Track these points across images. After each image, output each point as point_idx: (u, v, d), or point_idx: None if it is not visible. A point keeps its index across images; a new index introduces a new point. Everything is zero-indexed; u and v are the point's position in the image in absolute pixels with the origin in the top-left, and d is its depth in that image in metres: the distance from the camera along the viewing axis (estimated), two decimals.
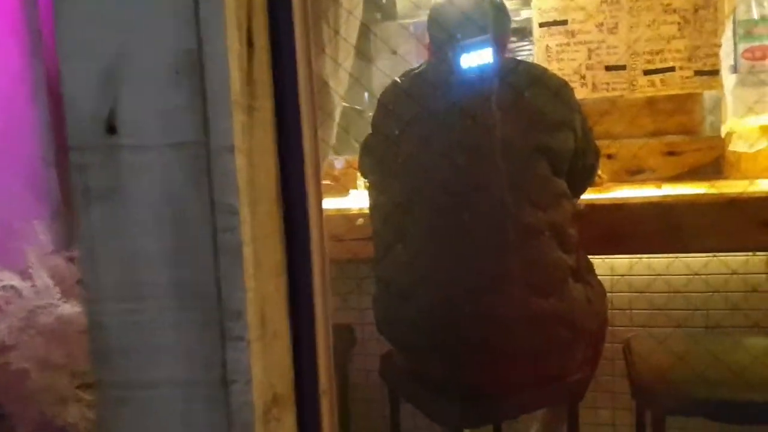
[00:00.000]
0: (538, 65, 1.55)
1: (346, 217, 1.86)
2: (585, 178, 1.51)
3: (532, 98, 1.34)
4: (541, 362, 1.33)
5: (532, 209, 1.30)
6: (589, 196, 1.65)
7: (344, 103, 2.52)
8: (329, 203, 2.11)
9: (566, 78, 1.70)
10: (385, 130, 1.42)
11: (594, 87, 2.13)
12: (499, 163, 1.30)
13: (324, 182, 2.11)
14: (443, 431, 1.53)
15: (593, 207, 1.68)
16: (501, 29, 1.47)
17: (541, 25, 2.16)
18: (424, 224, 1.33)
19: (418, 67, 1.44)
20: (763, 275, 1.81)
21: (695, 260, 1.84)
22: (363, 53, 3.88)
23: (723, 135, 1.95)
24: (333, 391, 0.72)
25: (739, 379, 1.34)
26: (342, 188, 2.22)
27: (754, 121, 1.80)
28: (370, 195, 1.47)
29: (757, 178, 1.86)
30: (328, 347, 0.69)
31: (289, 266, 0.65)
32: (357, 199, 2.10)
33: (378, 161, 1.43)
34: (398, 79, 1.44)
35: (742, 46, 1.83)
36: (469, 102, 1.34)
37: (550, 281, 1.31)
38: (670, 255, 1.80)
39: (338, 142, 2.59)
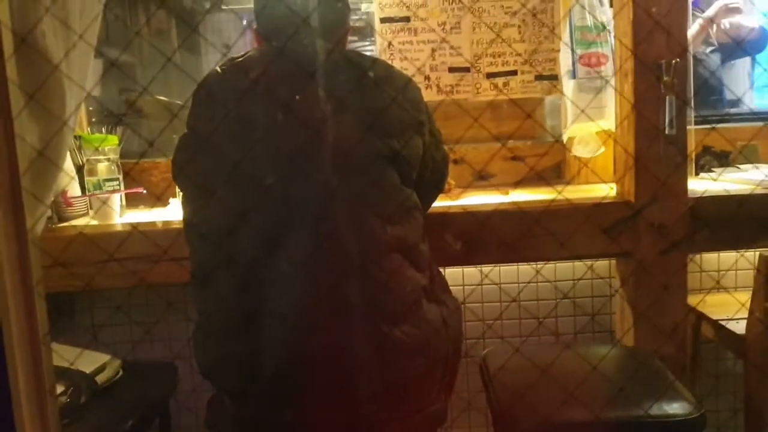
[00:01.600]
0: (383, 60, 1.39)
1: (164, 232, 1.57)
2: (435, 186, 1.37)
3: (376, 97, 1.17)
4: (397, 397, 1.16)
5: (380, 224, 1.12)
6: (439, 203, 1.53)
7: (162, 98, 2.19)
8: (143, 216, 1.78)
9: None
10: (200, 130, 1.16)
11: (439, 89, 2.04)
12: (338, 172, 1.11)
13: (137, 190, 1.79)
14: None
15: (445, 215, 1.58)
16: (339, 18, 1.28)
17: (383, 20, 2.02)
18: (251, 245, 1.10)
19: (242, 55, 1.20)
20: (607, 279, 1.83)
21: (544, 268, 1.82)
22: (191, 45, 3.52)
23: (564, 140, 1.95)
24: None
25: (598, 397, 1.30)
26: (159, 197, 1.90)
27: (593, 127, 1.81)
28: (184, 209, 1.20)
29: (597, 182, 1.88)
30: None
31: None
32: (178, 210, 1.81)
33: (195, 169, 1.16)
34: (218, 69, 1.18)
35: (578, 52, 1.83)
36: (304, 100, 1.13)
37: (402, 306, 1.14)
38: (522, 264, 1.76)
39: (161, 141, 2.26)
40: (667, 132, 1.47)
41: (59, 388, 1.33)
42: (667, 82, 1.44)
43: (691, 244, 1.58)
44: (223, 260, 1.11)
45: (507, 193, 1.80)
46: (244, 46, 2.71)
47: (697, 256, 1.81)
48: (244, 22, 3.34)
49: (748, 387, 1.53)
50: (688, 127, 1.53)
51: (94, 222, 1.74)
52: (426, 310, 1.19)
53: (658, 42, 1.47)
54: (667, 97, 1.45)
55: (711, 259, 1.84)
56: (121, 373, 1.46)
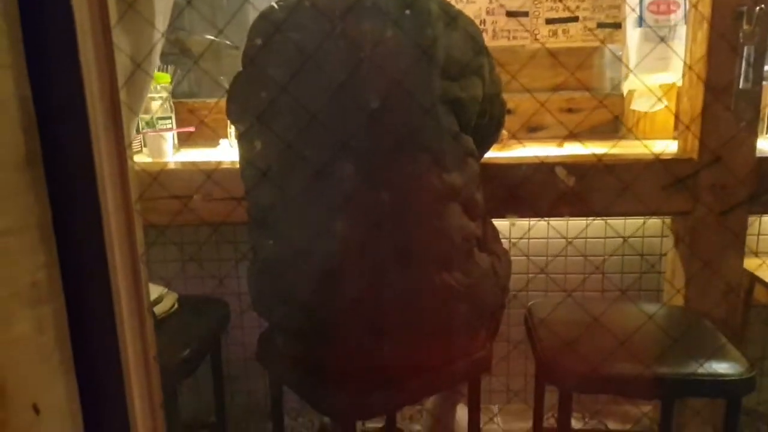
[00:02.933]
0: (447, 1, 1.34)
1: (215, 171, 1.59)
2: (492, 132, 1.34)
3: (440, 38, 1.13)
4: (444, 342, 1.18)
5: (437, 171, 1.11)
6: (490, 154, 1.50)
7: (210, 37, 2.18)
8: (196, 154, 1.81)
9: None
10: (257, 69, 1.15)
11: (494, 34, 1.97)
12: (396, 112, 1.09)
13: (189, 129, 1.80)
14: (332, 423, 1.36)
15: (496, 166, 1.55)
16: None
17: None
18: (307, 186, 1.10)
19: None
20: (658, 239, 1.78)
21: (593, 224, 1.78)
22: None
23: (624, 93, 1.88)
24: None
25: (645, 352, 1.29)
26: (211, 136, 1.92)
27: (656, 80, 1.73)
28: (240, 147, 1.21)
29: (655, 138, 1.81)
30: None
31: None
32: (229, 151, 1.83)
33: (249, 107, 1.16)
34: (275, 5, 1.16)
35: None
36: (364, 39, 1.10)
37: (455, 253, 1.14)
38: (573, 218, 1.73)
39: (205, 84, 2.26)
40: (741, 86, 1.39)
41: None
42: (747, 31, 1.36)
43: (754, 205, 1.53)
44: (279, 197, 1.12)
45: (561, 145, 1.75)
46: None
47: (757, 219, 1.75)
48: None
49: None
50: (764, 82, 1.45)
51: (148, 159, 1.77)
52: (477, 259, 1.18)
53: None
54: (746, 47, 1.36)
55: None
56: (176, 306, 1.50)
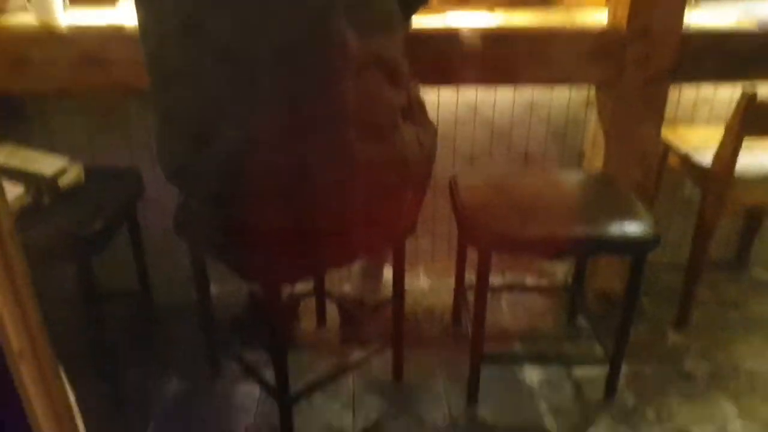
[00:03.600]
0: None
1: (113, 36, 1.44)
2: None
3: None
4: (368, 211, 1.16)
5: (355, 35, 1.02)
6: (419, 19, 1.43)
7: None
8: (89, 15, 1.61)
9: None
10: None
11: None
12: None
13: None
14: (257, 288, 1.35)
15: (424, 33, 1.48)
16: None
17: None
18: (218, 48, 1.00)
19: None
20: (583, 109, 1.80)
21: (521, 95, 1.77)
22: None
23: None
24: None
25: (560, 215, 1.33)
26: None
27: None
28: (138, 10, 1.08)
29: (586, 5, 1.77)
30: None
31: None
32: (128, 12, 1.63)
33: None
34: None
35: None
36: None
37: (379, 123, 1.10)
38: (497, 85, 1.70)
39: None
40: None
41: (18, 190, 1.28)
42: None
43: (676, 77, 1.55)
44: (182, 61, 1.02)
45: (492, 10, 1.68)
46: None
47: (677, 89, 1.78)
48: None
49: (702, 212, 1.60)
50: None
51: (33, 19, 1.56)
52: (402, 130, 1.15)
53: None
54: None
55: (690, 90, 1.81)
56: (83, 177, 1.41)
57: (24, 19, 1.56)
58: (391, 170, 1.14)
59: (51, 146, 1.49)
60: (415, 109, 1.23)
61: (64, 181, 1.36)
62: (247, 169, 1.05)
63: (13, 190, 1.28)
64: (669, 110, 1.64)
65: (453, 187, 1.48)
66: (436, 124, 1.32)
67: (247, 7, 0.98)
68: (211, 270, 1.44)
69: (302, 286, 1.76)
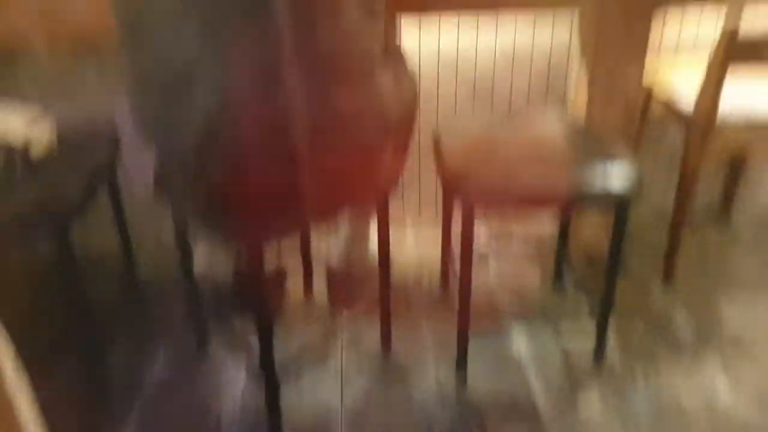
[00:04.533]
0: None
1: None
2: None
3: None
4: (348, 160, 1.14)
5: None
6: None
7: None
8: None
9: None
10: None
11: None
12: None
13: None
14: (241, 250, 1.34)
15: None
16: None
17: None
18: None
19: None
20: (566, 44, 1.76)
21: (502, 28, 1.72)
22: None
23: None
24: None
25: (543, 167, 1.32)
26: None
27: None
28: None
29: None
30: None
31: None
32: None
33: None
34: None
35: None
36: None
37: (356, 68, 1.07)
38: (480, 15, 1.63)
39: None
40: None
41: None
42: None
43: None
44: (150, 10, 0.98)
45: None
46: None
47: (661, 15, 1.74)
48: None
49: (686, 160, 1.59)
50: None
51: None
52: (378, 75, 1.12)
53: None
54: None
55: (672, 33, 1.78)
56: (55, 140, 1.36)
57: None
58: (370, 117, 1.12)
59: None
60: (394, 55, 1.20)
61: (37, 147, 1.32)
62: (224, 121, 1.01)
63: None
64: (655, 36, 1.60)
65: (435, 141, 1.46)
66: (417, 76, 1.29)
67: None
68: (196, 247, 1.42)
69: (289, 259, 1.74)
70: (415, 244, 1.94)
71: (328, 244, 1.80)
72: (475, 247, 1.53)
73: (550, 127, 1.50)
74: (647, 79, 1.64)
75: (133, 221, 1.61)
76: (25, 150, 1.30)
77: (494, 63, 1.75)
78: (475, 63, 1.74)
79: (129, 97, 1.11)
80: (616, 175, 1.28)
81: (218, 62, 0.98)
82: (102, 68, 1.66)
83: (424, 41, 1.73)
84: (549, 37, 1.73)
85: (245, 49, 0.97)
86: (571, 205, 1.52)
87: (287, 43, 0.98)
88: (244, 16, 0.96)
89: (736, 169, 1.97)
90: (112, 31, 1.07)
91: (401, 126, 1.23)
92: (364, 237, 1.73)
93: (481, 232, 1.93)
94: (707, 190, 1.99)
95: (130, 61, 1.07)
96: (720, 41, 1.41)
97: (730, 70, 1.42)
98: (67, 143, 1.39)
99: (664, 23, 1.76)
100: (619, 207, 1.32)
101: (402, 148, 1.32)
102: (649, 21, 1.53)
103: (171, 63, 1.01)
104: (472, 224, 1.31)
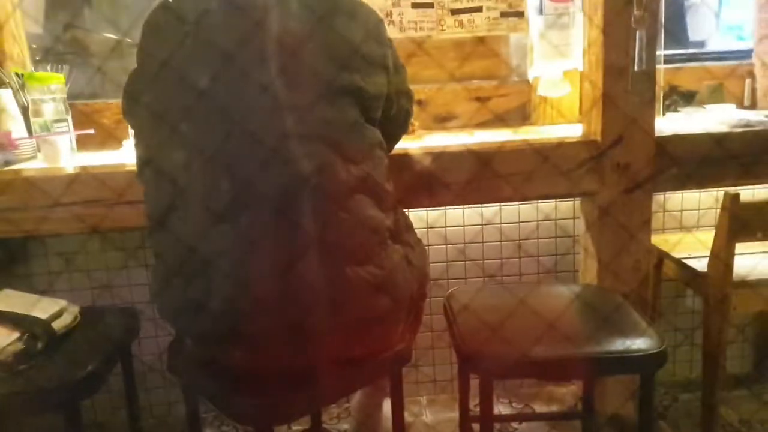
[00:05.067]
0: None
1: (117, 175, 1.50)
2: (400, 124, 1.33)
3: (341, 29, 1.11)
4: (361, 338, 1.15)
5: (342, 163, 1.08)
6: (402, 144, 1.49)
7: (111, 35, 2.07)
8: (95, 158, 1.70)
9: None
10: (151, 64, 1.09)
11: (401, 26, 1.96)
12: (299, 107, 1.05)
13: (87, 131, 1.70)
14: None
15: (406, 155, 1.54)
16: None
17: None
18: (207, 184, 1.04)
19: None
20: (571, 220, 1.83)
21: (507, 208, 1.81)
22: None
23: (530, 80, 1.91)
24: None
25: (561, 335, 1.30)
26: (113, 138, 1.81)
27: (560, 66, 1.77)
28: (137, 148, 1.14)
29: (563, 123, 1.86)
30: None
31: None
32: (131, 152, 1.72)
33: (144, 104, 1.09)
34: None
35: None
36: (261, 31, 1.06)
37: (366, 246, 1.11)
38: (484, 204, 1.74)
39: (108, 85, 2.14)
40: (636, 68, 1.44)
41: (14, 335, 1.28)
42: (638, 16, 1.41)
43: (657, 183, 1.58)
44: (179, 198, 1.06)
45: (472, 134, 1.76)
46: None
47: (661, 196, 1.82)
48: None
49: (707, 323, 1.56)
50: (657, 66, 1.50)
51: (43, 165, 1.65)
52: (390, 251, 1.16)
53: None
54: (637, 32, 1.41)
55: (674, 199, 1.85)
56: (79, 319, 1.41)
57: (31, 165, 1.64)
58: (382, 293, 1.14)
59: (50, 285, 1.50)
60: (402, 230, 1.25)
61: (60, 324, 1.36)
62: (240, 307, 1.05)
63: (7, 336, 1.28)
64: (657, 219, 1.66)
65: (447, 308, 1.46)
66: (426, 245, 1.33)
67: (241, 158, 1.03)
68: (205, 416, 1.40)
69: (300, 424, 1.69)
70: (431, 412, 1.86)
71: (340, 419, 1.73)
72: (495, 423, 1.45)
73: (563, 297, 1.50)
74: (656, 240, 1.67)
75: (144, 395, 1.60)
76: (49, 325, 1.33)
77: (500, 224, 1.81)
78: (482, 227, 1.81)
79: (154, 278, 1.16)
80: (636, 342, 1.25)
81: (238, 252, 1.04)
82: (131, 251, 1.75)
83: (431, 216, 1.81)
84: (553, 209, 1.80)
85: (263, 233, 1.03)
86: (593, 376, 1.47)
87: (305, 236, 1.04)
88: (266, 211, 1.03)
89: (765, 326, 1.91)
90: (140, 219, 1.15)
91: (413, 296, 1.25)
92: (378, 407, 1.67)
93: (500, 404, 1.86)
94: (737, 351, 1.92)
95: (157, 246, 1.13)
96: (723, 204, 1.45)
97: (737, 230, 1.44)
98: (89, 316, 1.43)
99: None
100: (644, 372, 1.28)
101: (414, 318, 1.33)
102: (650, 197, 1.59)
103: (194, 250, 1.06)
104: (491, 400, 1.26)
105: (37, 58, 2.01)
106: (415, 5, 1.94)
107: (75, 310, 1.42)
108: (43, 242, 1.75)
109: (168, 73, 1.04)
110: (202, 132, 1.04)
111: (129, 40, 2.14)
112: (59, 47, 2.16)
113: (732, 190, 1.44)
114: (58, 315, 1.37)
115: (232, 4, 1.06)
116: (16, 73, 1.77)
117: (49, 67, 1.84)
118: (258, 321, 1.06)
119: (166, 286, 1.12)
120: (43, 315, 1.34)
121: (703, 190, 1.82)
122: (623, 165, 1.56)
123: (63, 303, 1.40)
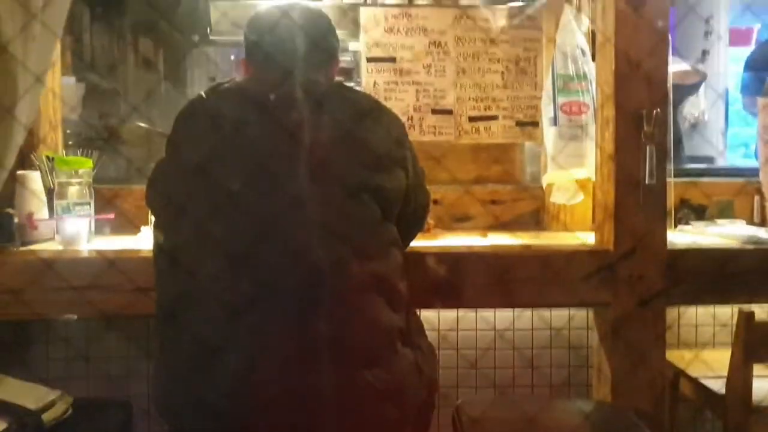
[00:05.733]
0: (370, 95, 1.38)
1: (131, 261, 1.51)
2: (416, 222, 1.35)
3: (363, 131, 1.15)
4: None
5: (357, 260, 1.08)
6: (416, 243, 1.50)
7: (143, 125, 2.16)
8: (112, 243, 1.72)
9: None
10: (180, 157, 1.13)
11: (422, 130, 2.04)
12: (318, 204, 1.08)
13: (108, 216, 1.73)
14: None
15: (421, 255, 1.55)
16: (329, 50, 1.28)
17: (369, 60, 2.02)
18: (226, 281, 1.05)
19: (227, 81, 1.18)
20: (584, 330, 1.80)
21: (521, 316, 1.78)
22: (178, 77, 3.51)
23: (543, 186, 1.95)
24: None
25: None
26: (131, 224, 1.84)
27: (572, 174, 1.81)
28: (155, 234, 1.16)
29: (575, 230, 1.87)
30: None
31: None
32: (148, 239, 1.75)
33: (169, 194, 1.12)
34: (202, 94, 1.16)
35: (560, 100, 1.85)
36: (287, 129, 1.10)
37: (375, 348, 1.09)
38: (498, 309, 1.73)
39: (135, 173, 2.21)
40: (647, 182, 1.47)
41: (2, 425, 1.25)
42: (648, 132, 1.45)
43: (670, 297, 1.57)
44: (194, 291, 1.06)
45: (485, 236, 1.78)
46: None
47: (675, 311, 1.79)
48: (232, 57, 3.35)
49: None
50: (667, 179, 1.53)
51: (59, 247, 1.67)
52: (400, 354, 1.14)
53: (638, 91, 1.49)
54: (647, 147, 1.46)
55: (689, 313, 1.82)
56: (70, 411, 1.37)
57: (48, 247, 1.66)
58: (388, 400, 1.10)
59: (47, 373, 1.48)
60: (414, 333, 1.23)
61: (50, 416, 1.32)
62: (248, 407, 1.03)
63: None
64: (672, 333, 1.63)
65: (456, 421, 1.41)
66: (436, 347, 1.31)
67: (265, 261, 1.04)
68: None
69: None
70: None
71: None
72: None
73: (575, 415, 1.45)
74: (672, 357, 1.63)
75: None
76: (38, 416, 1.30)
77: (513, 330, 1.78)
78: (495, 333, 1.78)
79: (155, 373, 1.14)
80: None
81: (248, 349, 1.03)
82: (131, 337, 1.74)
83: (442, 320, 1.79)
84: (566, 321, 1.78)
85: (275, 339, 1.03)
86: None
87: (316, 334, 1.04)
88: (279, 307, 1.04)
89: None
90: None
91: (420, 404, 1.21)
92: None
93: None
94: None
95: (165, 336, 1.12)
96: (738, 323, 1.43)
97: (753, 350, 1.41)
98: (83, 408, 1.39)
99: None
100: None
101: (422, 427, 1.28)
102: (664, 311, 1.57)
103: (205, 345, 1.05)
104: None
105: (70, 143, 2.09)
106: (435, 111, 2.03)
107: (68, 400, 1.39)
108: (45, 326, 1.74)
109: (198, 170, 1.08)
110: (228, 232, 1.06)
111: (159, 130, 2.23)
112: (92, 133, 2.26)
113: (746, 307, 1.42)
114: (50, 406, 1.34)
115: (269, 119, 1.11)
116: (47, 156, 1.83)
117: (79, 152, 1.90)
118: (262, 422, 1.03)
119: (171, 380, 1.10)
120: (34, 405, 1.31)
121: (717, 305, 1.79)
122: (636, 276, 1.55)
123: (57, 393, 1.38)
